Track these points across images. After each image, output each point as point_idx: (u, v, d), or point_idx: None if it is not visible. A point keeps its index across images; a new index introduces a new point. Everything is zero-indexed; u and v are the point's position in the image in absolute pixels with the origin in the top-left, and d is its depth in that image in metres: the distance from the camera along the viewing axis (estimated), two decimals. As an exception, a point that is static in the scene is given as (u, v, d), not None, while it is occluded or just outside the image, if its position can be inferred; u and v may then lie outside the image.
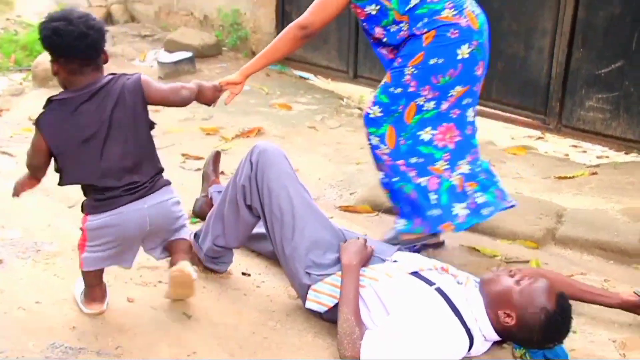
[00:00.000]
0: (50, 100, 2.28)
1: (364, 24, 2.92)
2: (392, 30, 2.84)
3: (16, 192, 2.58)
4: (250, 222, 2.71)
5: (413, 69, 2.80)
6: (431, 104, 2.85)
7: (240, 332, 2.48)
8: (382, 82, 2.92)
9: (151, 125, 2.38)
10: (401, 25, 2.81)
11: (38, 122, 2.28)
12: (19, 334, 2.38)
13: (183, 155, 4.32)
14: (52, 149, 2.29)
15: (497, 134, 5.19)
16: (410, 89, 2.83)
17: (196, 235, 2.84)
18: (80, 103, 2.25)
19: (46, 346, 2.32)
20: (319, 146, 4.54)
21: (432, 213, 2.92)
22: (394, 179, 2.97)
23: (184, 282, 2.39)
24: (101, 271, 2.48)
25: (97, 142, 2.27)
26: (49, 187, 3.70)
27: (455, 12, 2.77)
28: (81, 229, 2.40)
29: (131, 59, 6.11)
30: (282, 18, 5.96)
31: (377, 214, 3.57)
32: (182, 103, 2.45)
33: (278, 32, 5.82)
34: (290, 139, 4.61)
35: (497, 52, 4.73)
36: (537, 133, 5.05)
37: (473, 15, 2.81)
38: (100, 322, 2.47)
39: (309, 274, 2.50)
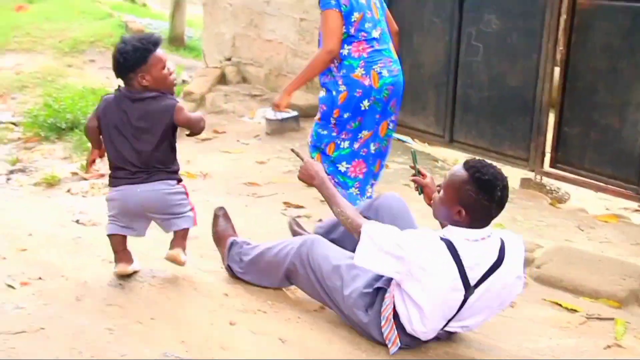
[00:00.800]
0: (116, 90, 2.97)
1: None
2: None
3: (87, 166, 3.35)
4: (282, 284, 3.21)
5: (334, 120, 3.91)
6: (346, 144, 3.97)
7: (331, 357, 2.71)
8: (315, 120, 4.03)
9: (172, 139, 2.98)
10: (335, 62, 3.86)
11: (99, 103, 3.01)
12: (137, 343, 2.69)
13: (284, 203, 4.64)
14: (101, 126, 2.98)
15: (590, 203, 5.27)
16: (333, 133, 3.96)
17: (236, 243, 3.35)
18: (128, 103, 2.91)
19: (159, 354, 2.62)
20: (412, 203, 4.76)
21: None
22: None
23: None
24: (122, 238, 3.14)
25: (127, 134, 2.92)
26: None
27: (363, 72, 3.82)
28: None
29: (241, 115, 6.58)
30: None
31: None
32: (200, 131, 3.04)
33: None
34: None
35: (591, 122, 4.88)
36: (633, 205, 5.08)
37: (377, 76, 3.85)
38: (205, 339, 2.77)
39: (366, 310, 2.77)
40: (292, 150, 3.28)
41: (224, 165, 5.50)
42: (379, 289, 2.75)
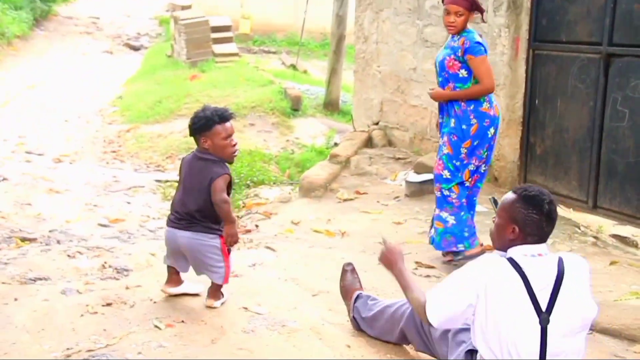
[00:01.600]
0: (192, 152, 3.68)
1: (448, 75, 4.59)
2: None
3: None
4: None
5: (465, 150, 4.57)
6: (484, 167, 4.68)
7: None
8: (445, 152, 4.64)
9: (210, 200, 3.50)
10: None
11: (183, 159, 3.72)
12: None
13: (416, 262, 4.75)
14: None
15: None
16: (465, 162, 4.60)
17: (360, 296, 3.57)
18: (194, 160, 3.58)
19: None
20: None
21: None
22: (462, 213, 4.66)
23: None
24: (174, 268, 3.78)
25: (185, 185, 3.59)
26: (296, 276, 4.37)
27: (488, 105, 4.57)
28: None
29: (383, 177, 6.79)
30: (527, 149, 6.26)
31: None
32: (221, 211, 3.54)
33: (522, 162, 6.19)
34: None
35: None
36: None
37: (497, 107, 4.64)
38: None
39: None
40: (382, 239, 3.29)
41: (362, 224, 5.70)
42: (471, 350, 2.81)
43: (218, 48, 15.66)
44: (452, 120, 4.62)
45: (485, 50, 4.55)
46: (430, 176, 6.24)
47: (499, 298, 2.56)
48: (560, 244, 5.13)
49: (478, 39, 4.58)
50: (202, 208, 3.54)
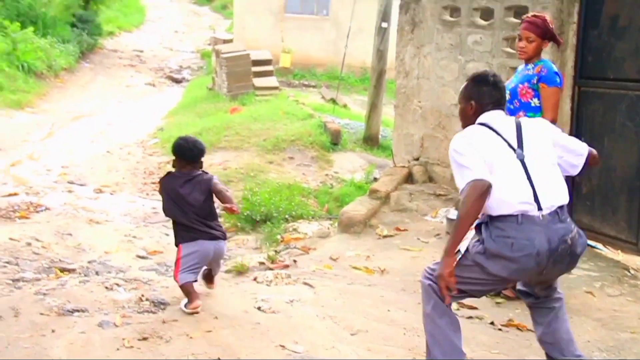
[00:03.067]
0: (169, 173, 4.49)
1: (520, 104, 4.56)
2: None
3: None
4: None
5: None
6: None
7: None
8: None
9: (212, 205, 4.47)
10: None
11: (162, 180, 4.52)
12: None
13: (458, 303, 4.61)
14: (164, 196, 4.46)
15: None
16: None
17: None
18: (183, 181, 4.39)
19: None
20: (593, 311, 4.54)
21: None
22: None
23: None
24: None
25: (186, 204, 4.34)
26: (335, 314, 4.29)
27: None
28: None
29: (424, 214, 6.68)
30: (572, 187, 6.09)
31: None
32: (223, 201, 4.42)
33: (570, 205, 6.01)
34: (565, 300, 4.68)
35: None
36: None
37: None
38: None
39: None
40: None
41: (401, 262, 5.59)
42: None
43: (259, 81, 15.81)
44: None
45: (561, 83, 4.51)
46: (472, 214, 6.13)
47: (487, 148, 3.14)
48: (609, 287, 4.95)
49: (556, 69, 4.58)
50: (208, 217, 4.46)
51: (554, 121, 4.38)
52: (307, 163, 10.56)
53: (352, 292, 4.83)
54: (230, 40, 18.55)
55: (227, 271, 5.51)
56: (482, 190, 2.99)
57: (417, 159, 7.83)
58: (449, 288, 3.12)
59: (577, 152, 3.43)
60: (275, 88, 15.97)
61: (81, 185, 9.43)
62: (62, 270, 5.41)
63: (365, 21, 16.41)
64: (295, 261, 5.67)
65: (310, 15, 20.91)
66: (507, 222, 3.05)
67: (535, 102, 4.54)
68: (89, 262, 5.97)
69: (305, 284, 5.00)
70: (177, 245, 4.46)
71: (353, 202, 6.91)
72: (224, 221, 7.80)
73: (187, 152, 4.43)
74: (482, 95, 3.31)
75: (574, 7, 5.90)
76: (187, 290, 4.32)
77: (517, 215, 3.05)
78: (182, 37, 26.94)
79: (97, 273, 5.47)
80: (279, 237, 6.75)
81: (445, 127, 7.35)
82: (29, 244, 6.22)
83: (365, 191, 9.67)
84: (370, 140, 12.08)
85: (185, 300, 4.32)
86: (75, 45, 20.00)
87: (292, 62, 20.04)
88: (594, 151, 3.50)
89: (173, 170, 4.48)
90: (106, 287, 4.76)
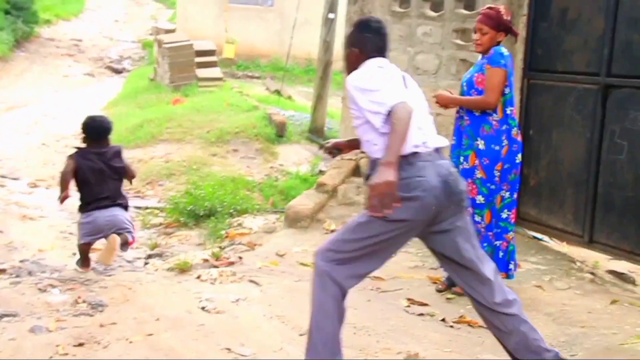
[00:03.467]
0: (80, 149, 5.03)
1: (477, 93, 4.55)
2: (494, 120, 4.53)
3: (60, 200, 4.92)
4: None
5: (498, 173, 4.48)
6: (507, 194, 4.55)
7: None
8: (479, 177, 4.48)
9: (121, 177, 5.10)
10: (494, 117, 4.51)
11: (73, 156, 4.97)
12: None
13: (408, 299, 4.52)
14: (78, 172, 4.91)
15: None
16: (498, 186, 4.50)
17: None
18: (93, 155, 4.97)
19: None
20: (543, 305, 4.49)
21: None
22: (484, 244, 4.45)
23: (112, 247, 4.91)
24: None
25: (97, 177, 4.94)
26: (282, 314, 4.12)
27: (517, 131, 4.55)
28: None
29: (372, 208, 6.56)
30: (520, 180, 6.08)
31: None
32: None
33: (518, 198, 5.98)
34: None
35: None
36: None
37: (521, 134, 4.62)
38: None
39: None
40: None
41: (351, 257, 5.46)
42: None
43: (202, 72, 15.48)
44: (481, 142, 4.49)
45: (505, 65, 4.43)
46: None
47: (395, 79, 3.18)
48: (557, 281, 4.93)
49: (504, 52, 4.49)
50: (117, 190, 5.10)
51: (494, 103, 4.43)
52: (252, 156, 10.34)
53: (300, 290, 4.66)
54: (173, 30, 18.14)
55: (169, 269, 5.28)
56: (410, 114, 2.88)
57: (363, 152, 7.70)
58: (385, 204, 2.86)
59: None
60: (219, 79, 15.66)
61: (14, 179, 9.01)
62: (-8, 270, 5.10)
63: (310, 12, 16.21)
64: (240, 258, 5.47)
65: (254, 6, 20.60)
66: (399, 164, 2.89)
67: None
68: (21, 261, 5.63)
69: (252, 281, 4.83)
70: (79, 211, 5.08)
71: (300, 196, 6.74)
72: (166, 216, 7.58)
73: (94, 131, 5.03)
74: (365, 41, 3.30)
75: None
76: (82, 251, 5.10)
77: (407, 156, 2.96)
78: (123, 27, 26.24)
79: (29, 273, 5.16)
80: (223, 232, 6.53)
81: (393, 120, 7.25)
82: (-44, 243, 5.86)
83: (311, 184, 9.50)
84: (316, 132, 11.92)
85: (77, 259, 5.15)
86: (9, 33, 19.23)
87: (236, 53, 19.71)
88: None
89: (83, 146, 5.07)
90: (39, 289, 4.48)
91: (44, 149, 10.84)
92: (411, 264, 5.24)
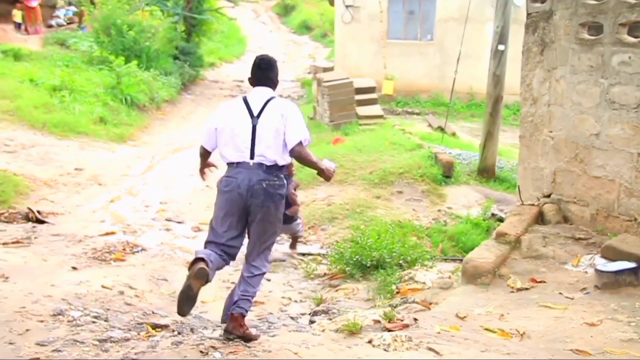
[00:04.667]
0: None
1: None
2: None
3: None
4: None
5: None
6: None
7: None
8: None
9: None
10: None
11: None
12: None
13: None
14: None
15: None
16: None
17: None
18: None
19: None
20: None
21: None
22: None
23: None
24: None
25: None
26: None
27: None
28: None
29: (562, 262, 5.73)
30: None
31: None
32: None
33: None
34: None
35: None
36: None
37: None
38: None
39: None
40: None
41: (543, 323, 4.69)
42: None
43: (362, 110, 15.17)
44: None
45: None
46: (627, 264, 5.16)
47: (231, 114, 4.66)
48: None
49: None
50: None
51: None
52: (418, 198, 9.75)
53: (488, 365, 3.99)
54: (331, 68, 18.05)
55: (337, 330, 4.77)
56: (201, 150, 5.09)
57: (548, 196, 6.88)
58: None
59: (286, 142, 4.59)
60: (380, 117, 15.27)
61: (179, 222, 8.98)
62: (154, 327, 4.83)
63: (471, 45, 15.50)
64: (415, 320, 4.84)
65: (414, 41, 20.19)
66: (229, 167, 4.65)
67: None
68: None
69: (430, 349, 4.22)
70: None
71: (478, 248, 6.02)
72: (330, 265, 7.13)
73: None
74: (251, 74, 4.79)
75: None
76: None
77: (234, 163, 4.61)
78: (283, 66, 26.68)
79: (192, 330, 4.86)
80: (394, 287, 5.93)
81: (583, 161, 6.39)
82: (121, 293, 5.70)
83: (483, 228, 8.75)
84: (486, 172, 11.14)
85: None
86: (177, 77, 20.09)
87: (395, 89, 19.35)
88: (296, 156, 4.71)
89: None
90: (201, 352, 4.15)
91: (207, 192, 10.83)
92: (622, 336, 4.37)
